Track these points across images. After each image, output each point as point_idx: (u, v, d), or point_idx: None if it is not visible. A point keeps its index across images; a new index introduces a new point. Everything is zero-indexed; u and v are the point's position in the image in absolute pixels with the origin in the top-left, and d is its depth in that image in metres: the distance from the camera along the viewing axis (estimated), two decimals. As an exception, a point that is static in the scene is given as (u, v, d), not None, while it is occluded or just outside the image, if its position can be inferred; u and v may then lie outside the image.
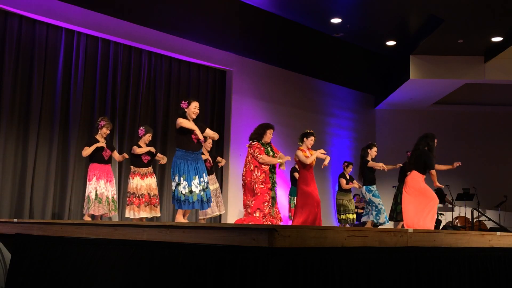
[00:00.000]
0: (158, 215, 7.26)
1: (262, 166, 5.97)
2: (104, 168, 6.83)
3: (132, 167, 7.14)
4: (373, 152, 8.04)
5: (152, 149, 7.27)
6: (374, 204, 7.85)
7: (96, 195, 6.64)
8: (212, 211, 7.66)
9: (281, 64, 11.35)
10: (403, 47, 11.63)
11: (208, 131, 5.59)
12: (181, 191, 5.23)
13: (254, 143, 6.05)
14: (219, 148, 10.15)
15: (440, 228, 9.59)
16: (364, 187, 7.97)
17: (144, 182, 7.06)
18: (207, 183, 5.50)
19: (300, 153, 6.48)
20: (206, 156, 7.54)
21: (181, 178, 5.25)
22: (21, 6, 7.83)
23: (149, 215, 7.07)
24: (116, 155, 7.12)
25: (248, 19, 10.20)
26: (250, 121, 10.22)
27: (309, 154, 6.54)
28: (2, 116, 7.66)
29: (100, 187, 6.67)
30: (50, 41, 8.27)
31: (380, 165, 7.85)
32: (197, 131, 5.37)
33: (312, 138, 6.66)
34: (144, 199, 6.97)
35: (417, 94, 12.57)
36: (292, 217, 7.65)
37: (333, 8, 9.93)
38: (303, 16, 10.46)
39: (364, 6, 9.83)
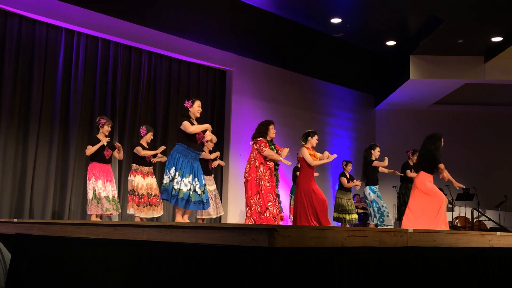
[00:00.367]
0: (160, 214, 7.25)
1: (267, 163, 5.97)
2: (104, 168, 6.81)
3: (134, 164, 7.11)
4: (376, 152, 8.06)
5: (162, 148, 7.26)
6: (377, 206, 7.84)
7: (95, 195, 6.63)
8: (208, 213, 7.56)
9: (281, 64, 11.35)
10: (403, 47, 11.63)
11: (208, 134, 5.62)
12: (173, 186, 5.22)
13: (260, 138, 6.05)
14: (219, 148, 10.14)
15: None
16: (367, 187, 7.97)
17: (145, 181, 7.05)
18: (205, 185, 5.48)
19: (306, 152, 6.50)
20: (208, 156, 7.50)
21: (177, 173, 5.24)
22: (21, 6, 7.83)
23: (147, 216, 7.04)
24: (117, 154, 7.11)
25: (248, 19, 10.20)
26: (250, 121, 10.23)
27: (312, 153, 6.58)
28: (2, 116, 7.66)
29: (98, 187, 6.66)
30: (50, 41, 8.27)
31: (385, 163, 7.88)
32: (209, 130, 5.50)
33: (316, 136, 6.71)
34: (143, 200, 6.96)
35: (417, 94, 12.57)
36: (292, 217, 7.65)
37: (333, 8, 9.93)
38: (303, 16, 10.47)
39: (364, 6, 9.83)
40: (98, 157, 6.77)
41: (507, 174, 13.36)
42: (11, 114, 7.77)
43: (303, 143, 6.75)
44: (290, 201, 9.22)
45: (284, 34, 10.88)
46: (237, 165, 10.23)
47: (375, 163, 7.95)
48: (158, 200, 7.15)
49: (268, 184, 5.90)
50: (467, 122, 13.76)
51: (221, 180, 10.23)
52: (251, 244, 2.97)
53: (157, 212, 7.12)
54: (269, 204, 5.82)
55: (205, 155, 7.22)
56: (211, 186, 7.59)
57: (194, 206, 5.30)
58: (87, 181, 6.73)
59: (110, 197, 6.78)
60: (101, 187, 6.67)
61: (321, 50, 11.68)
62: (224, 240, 3.18)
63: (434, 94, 12.72)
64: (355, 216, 8.80)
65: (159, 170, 9.15)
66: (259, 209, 5.82)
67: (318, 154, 6.68)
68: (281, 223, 6.01)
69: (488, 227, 11.04)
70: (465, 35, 10.33)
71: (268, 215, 5.77)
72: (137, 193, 6.95)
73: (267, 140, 6.09)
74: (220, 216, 8.81)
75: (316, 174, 6.49)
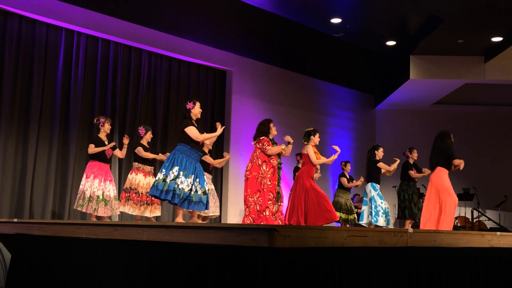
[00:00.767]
0: (159, 214, 7.24)
1: (271, 161, 5.98)
2: (104, 167, 6.80)
3: (136, 163, 7.10)
4: (380, 153, 8.08)
5: (162, 156, 7.23)
6: (375, 204, 7.84)
7: (90, 194, 6.60)
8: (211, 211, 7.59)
9: (281, 64, 11.35)
10: (403, 47, 11.63)
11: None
12: (178, 184, 5.23)
13: (263, 137, 6.06)
14: (219, 148, 10.15)
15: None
16: (369, 183, 7.98)
17: (145, 180, 7.05)
18: (206, 184, 5.50)
19: (311, 150, 6.55)
20: (210, 160, 7.51)
21: (181, 173, 5.25)
22: (21, 6, 7.83)
23: (142, 214, 6.99)
24: (119, 153, 7.08)
25: (248, 19, 10.20)
26: (250, 121, 10.23)
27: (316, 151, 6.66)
28: (2, 116, 7.66)
29: (94, 186, 6.64)
30: (50, 41, 8.27)
31: (392, 168, 7.89)
32: (215, 136, 5.65)
33: (318, 134, 6.75)
34: (141, 199, 6.95)
35: (417, 94, 12.58)
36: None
37: (333, 8, 9.93)
38: (303, 16, 10.47)
39: (364, 6, 9.83)
40: (99, 156, 6.74)
41: (507, 174, 13.36)
42: (11, 114, 7.77)
43: (305, 142, 6.76)
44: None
45: (284, 34, 10.88)
46: (237, 165, 10.23)
47: (381, 165, 7.94)
48: (157, 200, 7.12)
49: (269, 183, 5.90)
50: (467, 122, 13.76)
51: (221, 180, 10.22)
52: (251, 244, 2.97)
53: (158, 211, 7.11)
54: (269, 202, 5.83)
55: (208, 158, 7.23)
56: (210, 185, 7.59)
57: (195, 206, 5.30)
58: (84, 178, 6.69)
59: (112, 196, 6.76)
60: (97, 186, 6.65)
61: (321, 50, 11.68)
62: (224, 240, 3.17)
63: (434, 94, 12.72)
64: (354, 216, 8.80)
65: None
66: (258, 207, 5.81)
67: (321, 157, 6.75)
68: (279, 223, 6.00)
69: (488, 227, 11.04)
70: (465, 35, 10.34)
71: (267, 213, 5.76)
72: (137, 191, 6.94)
73: (270, 139, 6.11)
74: (220, 216, 8.81)
75: (318, 175, 6.50)
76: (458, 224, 11.01)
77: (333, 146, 7.05)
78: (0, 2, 7.63)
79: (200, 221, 5.60)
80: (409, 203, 7.97)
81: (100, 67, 8.79)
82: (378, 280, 3.39)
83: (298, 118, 11.36)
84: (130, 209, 6.90)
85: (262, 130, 6.14)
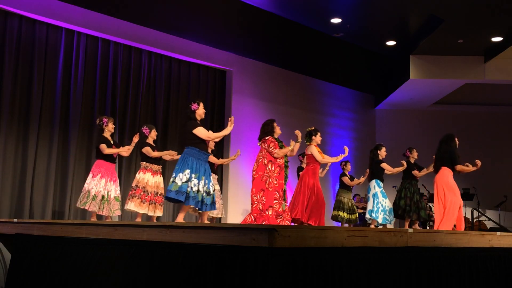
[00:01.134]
0: (161, 214, 7.25)
1: (277, 160, 5.99)
2: (110, 167, 6.79)
3: (144, 162, 7.10)
4: (382, 152, 8.06)
5: (171, 153, 7.24)
6: (377, 200, 7.80)
7: (94, 192, 6.60)
8: (217, 212, 7.67)
9: (281, 64, 11.35)
10: (403, 47, 11.63)
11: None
12: (191, 187, 5.27)
13: (268, 137, 6.07)
14: (219, 148, 10.16)
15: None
16: (374, 180, 7.96)
17: (153, 179, 7.06)
18: (212, 185, 5.55)
19: (315, 150, 6.60)
20: (214, 160, 7.54)
21: (193, 175, 5.29)
22: (21, 6, 7.83)
23: (148, 213, 7.01)
24: (125, 152, 7.05)
25: (248, 19, 10.20)
26: (250, 121, 10.23)
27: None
28: (2, 116, 7.66)
29: (100, 185, 6.64)
30: (50, 41, 8.28)
31: (396, 170, 7.90)
32: (226, 133, 5.65)
33: (319, 134, 6.78)
34: (149, 197, 6.96)
35: (417, 94, 12.57)
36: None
37: (333, 8, 9.93)
38: (303, 16, 10.46)
39: (364, 6, 9.83)
40: (106, 156, 6.73)
41: (507, 174, 13.36)
42: (11, 114, 7.77)
43: (307, 142, 6.77)
44: None
45: (284, 34, 10.87)
46: (237, 165, 10.23)
47: (384, 166, 7.91)
48: (162, 200, 7.15)
49: (275, 182, 5.90)
50: (467, 122, 13.76)
51: (221, 180, 10.22)
52: (251, 244, 2.97)
53: (159, 212, 7.13)
54: (274, 202, 5.83)
55: (212, 158, 7.26)
56: (216, 186, 7.62)
57: (207, 207, 5.40)
58: (91, 177, 6.66)
59: (112, 196, 6.76)
60: (103, 186, 6.66)
61: (321, 50, 11.68)
62: (224, 240, 3.17)
63: (434, 94, 12.72)
64: (356, 215, 8.80)
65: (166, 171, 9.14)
66: (260, 206, 5.81)
67: (325, 156, 6.79)
68: (287, 223, 6.01)
69: (488, 227, 11.04)
70: (465, 35, 10.34)
71: (270, 213, 5.76)
72: (145, 190, 6.94)
73: (275, 138, 6.13)
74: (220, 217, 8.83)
75: (324, 171, 6.54)
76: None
77: (344, 147, 7.10)
78: (0, 2, 7.63)
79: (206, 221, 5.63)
80: (410, 200, 7.95)
81: (100, 67, 8.80)
82: (378, 280, 3.39)
83: (298, 118, 11.35)
84: (136, 207, 6.90)
85: (266, 130, 6.15)
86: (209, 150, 7.45)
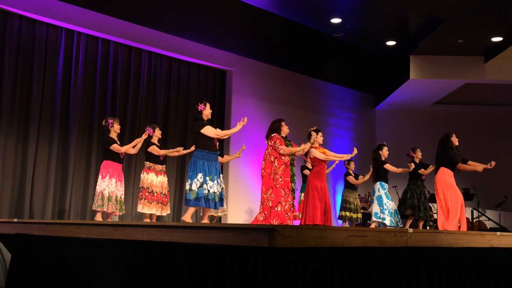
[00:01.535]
0: (168, 212, 7.32)
1: (282, 157, 6.02)
2: (117, 167, 6.80)
3: (148, 162, 7.12)
4: (384, 152, 8.01)
5: (178, 149, 7.27)
6: (382, 202, 7.76)
7: (108, 193, 6.62)
8: (223, 210, 7.79)
9: (281, 64, 11.35)
10: (403, 47, 11.63)
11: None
12: (208, 190, 5.31)
13: (274, 134, 6.10)
14: (219, 148, 10.13)
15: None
16: (378, 182, 7.93)
17: (157, 179, 7.09)
18: (222, 182, 5.65)
19: (316, 152, 6.61)
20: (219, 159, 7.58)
21: (207, 178, 5.34)
22: (21, 6, 7.83)
23: (158, 213, 7.07)
24: (132, 149, 7.04)
25: (248, 19, 10.20)
26: (250, 121, 10.19)
27: (322, 150, 6.71)
28: (2, 116, 7.66)
29: (112, 185, 6.66)
30: (50, 41, 8.27)
31: (400, 171, 7.90)
32: (234, 131, 5.82)
33: (320, 133, 6.79)
34: (155, 197, 7.00)
35: (417, 94, 12.57)
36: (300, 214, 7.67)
37: (333, 8, 9.93)
38: (303, 16, 10.47)
39: (364, 6, 9.83)
40: (114, 156, 6.73)
41: (507, 174, 13.35)
42: (11, 114, 7.77)
43: (309, 142, 6.78)
44: (299, 198, 9.21)
45: (284, 34, 10.87)
46: (237, 165, 10.22)
47: (388, 167, 7.88)
48: (167, 199, 7.20)
49: (280, 179, 5.94)
50: (467, 122, 13.76)
51: (221, 180, 10.22)
52: (251, 244, 2.97)
53: (166, 211, 7.18)
54: (281, 199, 5.87)
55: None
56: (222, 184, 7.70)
57: (218, 204, 5.51)
58: (100, 178, 6.66)
59: (118, 197, 6.77)
60: (114, 185, 6.67)
61: (321, 50, 11.67)
62: (224, 240, 3.18)
63: (434, 94, 12.72)
64: (359, 215, 8.81)
65: (168, 170, 9.15)
66: (270, 203, 5.87)
67: (328, 152, 6.80)
68: (293, 222, 6.06)
69: (488, 227, 11.03)
70: (465, 35, 10.33)
71: (279, 209, 5.80)
72: (150, 190, 6.96)
73: (282, 136, 6.14)
74: (220, 216, 8.86)
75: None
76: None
77: (353, 149, 7.12)
78: (0, 2, 7.63)
79: (206, 221, 5.67)
80: (417, 201, 7.94)
81: (100, 67, 8.79)
82: (378, 280, 3.39)
83: (298, 118, 11.35)
84: (145, 208, 6.93)
85: (273, 127, 6.24)
86: None
